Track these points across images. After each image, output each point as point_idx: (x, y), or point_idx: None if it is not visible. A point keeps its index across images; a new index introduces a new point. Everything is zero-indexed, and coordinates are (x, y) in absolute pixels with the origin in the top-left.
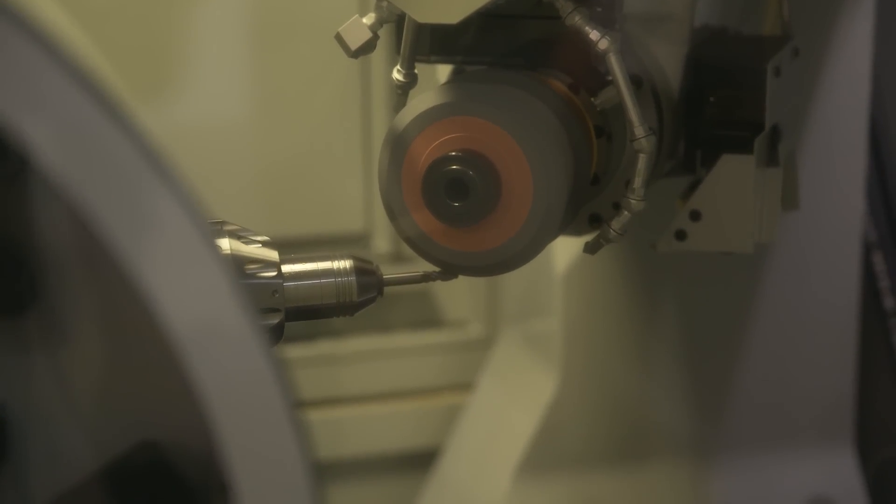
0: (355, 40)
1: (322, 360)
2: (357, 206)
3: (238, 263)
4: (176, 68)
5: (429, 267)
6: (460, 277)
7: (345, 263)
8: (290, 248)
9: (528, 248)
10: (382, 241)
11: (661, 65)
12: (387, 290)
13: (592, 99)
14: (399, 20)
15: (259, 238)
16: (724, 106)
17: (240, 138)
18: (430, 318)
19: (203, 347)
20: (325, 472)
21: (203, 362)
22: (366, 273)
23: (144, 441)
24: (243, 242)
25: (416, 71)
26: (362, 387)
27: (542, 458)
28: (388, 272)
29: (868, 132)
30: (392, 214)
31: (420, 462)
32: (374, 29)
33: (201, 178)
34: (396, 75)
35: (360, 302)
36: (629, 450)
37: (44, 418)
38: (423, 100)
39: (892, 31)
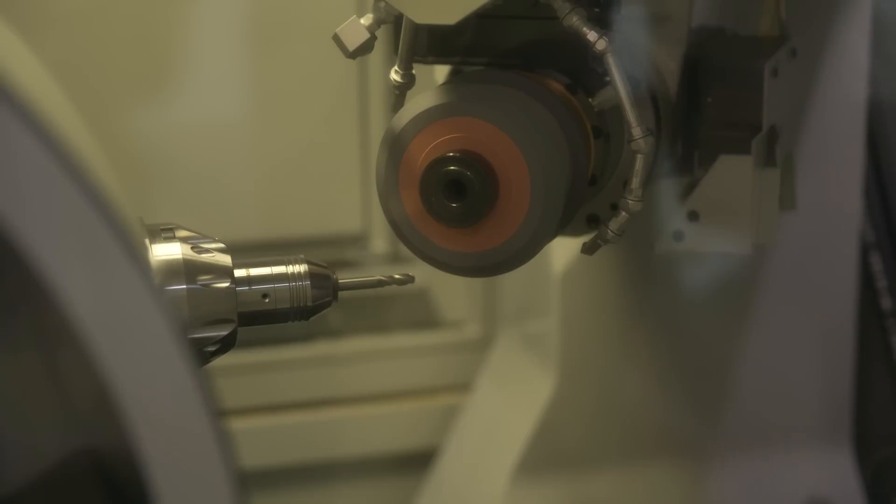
0: (353, 41)
1: (320, 360)
2: (355, 207)
3: (190, 271)
4: (174, 68)
5: (427, 267)
6: (457, 278)
7: (299, 268)
8: (288, 248)
9: (525, 249)
10: (380, 241)
11: (659, 65)
12: (384, 290)
13: (590, 100)
14: (397, 21)
15: (213, 245)
16: (721, 106)
17: (237, 139)
18: (427, 319)
19: (121, 357)
20: (323, 473)
21: (121, 372)
22: (320, 277)
23: (82, 448)
24: (196, 249)
25: (413, 72)
26: (360, 387)
27: (539, 458)
28: (386, 272)
29: (865, 132)
30: (390, 215)
31: (418, 462)
32: (371, 30)
33: (199, 179)
34: (394, 76)
35: (314, 307)
36: (627, 450)
37: None
38: (420, 100)
39: (890, 31)
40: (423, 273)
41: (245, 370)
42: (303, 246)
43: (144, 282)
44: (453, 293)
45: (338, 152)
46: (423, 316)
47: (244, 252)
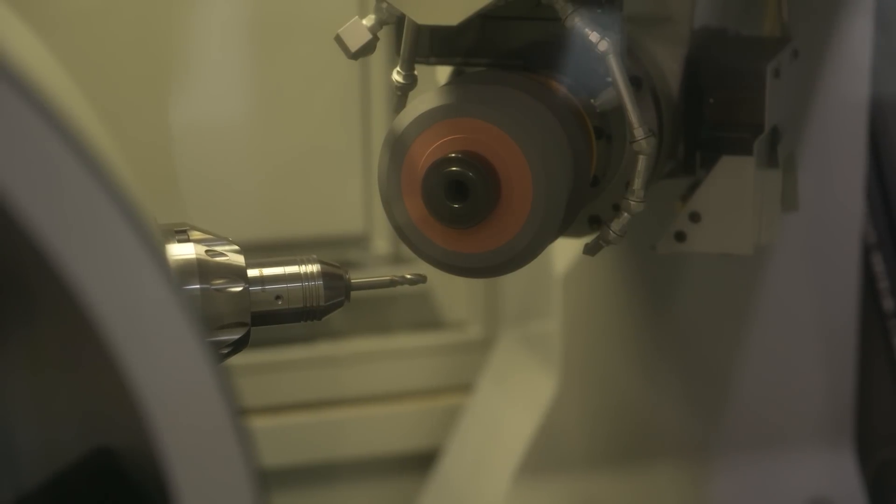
0: (355, 42)
1: (322, 361)
2: (357, 208)
3: (204, 272)
4: (176, 69)
5: (429, 268)
6: (459, 279)
7: (312, 268)
8: (290, 249)
9: (527, 250)
10: (382, 242)
11: (661, 66)
12: (385, 291)
13: (592, 100)
14: (399, 21)
15: (227, 247)
16: (723, 107)
17: (240, 139)
18: (429, 320)
19: (142, 355)
20: (324, 474)
21: (143, 370)
22: (333, 277)
23: (99, 447)
24: (209, 251)
25: (415, 72)
26: (362, 388)
27: (541, 459)
28: (388, 273)
29: (867, 133)
30: (391, 216)
31: (420, 463)
32: (373, 30)
33: (201, 179)
34: (396, 77)
35: (326, 306)
36: (629, 451)
37: None
38: (422, 101)
39: (892, 31)
40: (424, 273)
41: (246, 371)
42: (304, 247)
43: (166, 280)
44: (455, 294)
45: (340, 153)
46: (424, 317)
47: (245, 253)
